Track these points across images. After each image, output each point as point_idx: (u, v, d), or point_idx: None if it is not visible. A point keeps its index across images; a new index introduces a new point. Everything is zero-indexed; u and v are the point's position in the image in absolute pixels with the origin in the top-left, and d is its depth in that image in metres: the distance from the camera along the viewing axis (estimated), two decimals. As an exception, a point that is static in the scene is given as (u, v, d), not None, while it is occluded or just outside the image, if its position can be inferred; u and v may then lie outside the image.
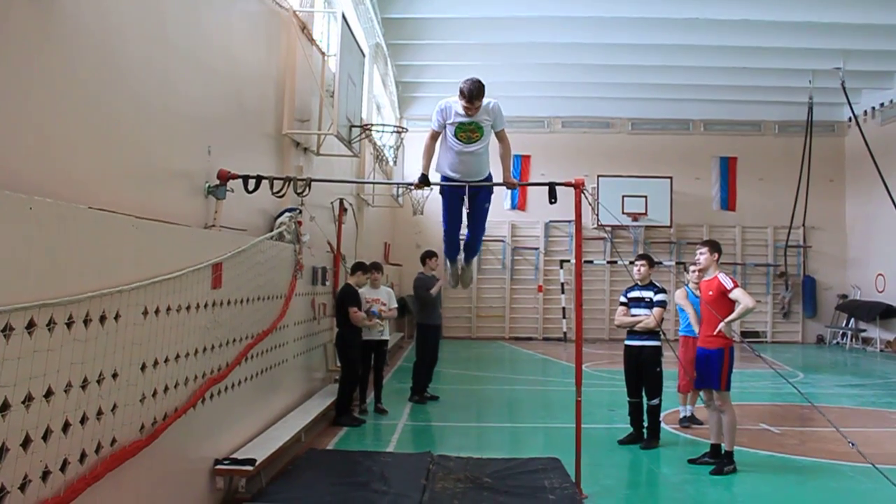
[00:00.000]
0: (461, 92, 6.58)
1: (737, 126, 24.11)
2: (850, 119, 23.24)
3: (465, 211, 7.14)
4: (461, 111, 6.69)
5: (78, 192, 4.37)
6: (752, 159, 23.70)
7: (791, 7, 15.26)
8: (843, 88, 19.16)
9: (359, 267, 10.35)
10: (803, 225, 22.84)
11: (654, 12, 15.66)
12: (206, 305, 6.02)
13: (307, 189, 8.03)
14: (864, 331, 22.07)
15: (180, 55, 6.12)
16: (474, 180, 7.08)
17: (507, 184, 7.28)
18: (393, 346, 17.22)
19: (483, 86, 6.58)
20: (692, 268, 9.64)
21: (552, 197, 7.25)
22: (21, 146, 3.95)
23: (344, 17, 10.32)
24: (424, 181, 7.09)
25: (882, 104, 21.90)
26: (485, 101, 6.71)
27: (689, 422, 9.88)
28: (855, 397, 12.90)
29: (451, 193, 7.27)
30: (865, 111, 22.54)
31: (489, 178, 7.26)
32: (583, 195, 7.09)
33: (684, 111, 23.74)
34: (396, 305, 11.24)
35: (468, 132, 6.83)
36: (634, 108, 23.63)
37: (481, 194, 7.30)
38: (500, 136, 7.02)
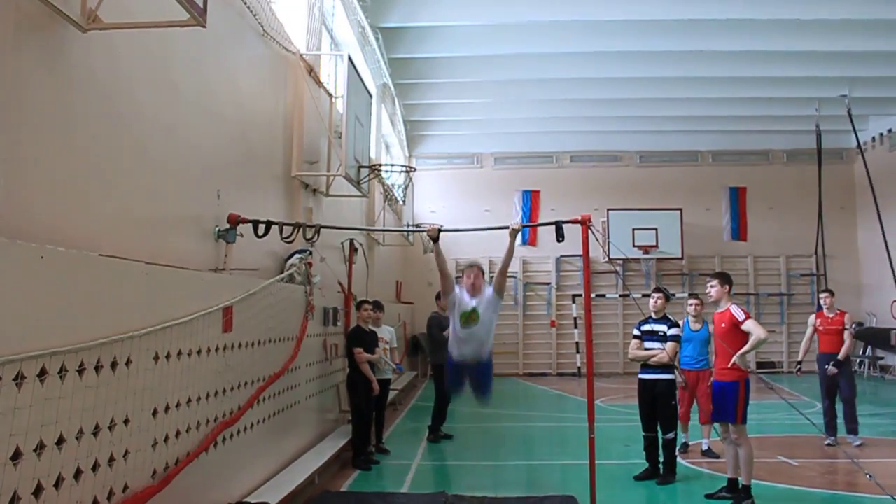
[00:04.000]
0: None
1: (745, 156, 24.12)
2: (857, 145, 23.26)
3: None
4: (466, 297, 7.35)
5: (89, 239, 4.42)
6: (762, 189, 23.65)
7: (795, 37, 15.32)
8: (850, 116, 19.17)
9: (359, 305, 10.34)
10: (815, 253, 22.76)
11: (658, 46, 15.76)
12: (217, 349, 6.04)
13: (317, 235, 8.10)
14: (881, 358, 21.83)
15: (189, 101, 6.22)
16: (478, 361, 7.48)
17: (510, 231, 7.50)
18: (406, 385, 17.18)
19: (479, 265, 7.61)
20: (691, 301, 9.93)
21: (559, 236, 7.32)
22: (32, 195, 4.01)
23: (350, 59, 10.45)
24: (437, 235, 7.49)
25: (890, 130, 21.90)
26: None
27: (685, 448, 10.13)
28: (874, 427, 12.71)
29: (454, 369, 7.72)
30: (873, 137, 22.55)
31: (489, 359, 7.64)
32: (590, 231, 7.11)
33: (692, 142, 23.78)
34: (397, 345, 11.30)
35: (468, 319, 7.33)
36: (642, 141, 23.69)
37: (484, 374, 7.69)
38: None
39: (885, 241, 21.31)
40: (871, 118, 22.20)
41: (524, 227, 8.12)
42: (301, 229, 7.71)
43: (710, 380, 9.39)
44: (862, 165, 22.85)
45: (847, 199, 23.46)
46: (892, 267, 21.55)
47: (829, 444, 10.50)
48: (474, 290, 7.30)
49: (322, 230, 8.73)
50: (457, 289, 7.40)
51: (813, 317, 11.22)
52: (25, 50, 3.96)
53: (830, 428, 10.68)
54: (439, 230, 7.43)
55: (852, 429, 10.62)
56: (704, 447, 10.08)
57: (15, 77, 3.86)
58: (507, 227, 7.49)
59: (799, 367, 11.36)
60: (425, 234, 7.77)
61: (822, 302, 11.13)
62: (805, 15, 14.01)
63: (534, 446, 11.96)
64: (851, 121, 19.16)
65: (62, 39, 4.26)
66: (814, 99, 19.40)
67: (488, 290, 7.37)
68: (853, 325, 10.99)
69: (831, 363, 10.64)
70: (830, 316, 10.89)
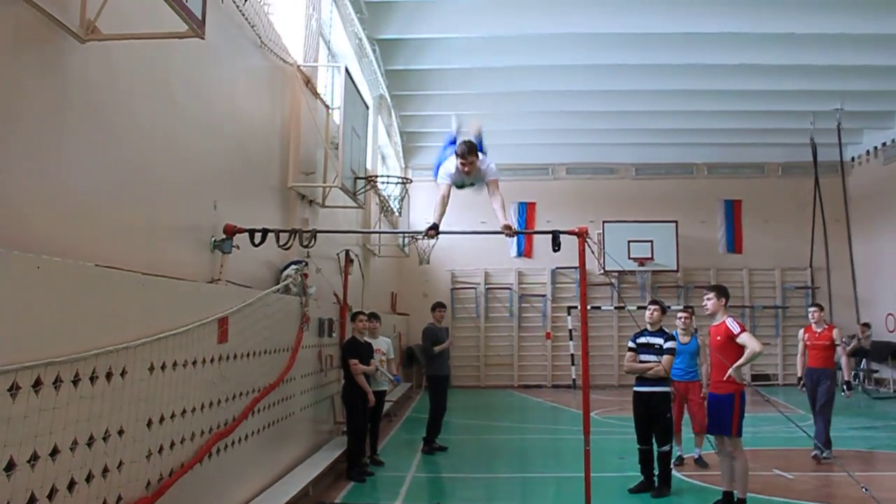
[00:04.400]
0: (456, 154, 7.25)
1: (740, 169, 24.19)
2: (852, 159, 23.37)
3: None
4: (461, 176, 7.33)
5: (85, 249, 4.42)
6: (757, 201, 23.71)
7: (789, 50, 15.40)
8: (839, 130, 19.25)
9: (354, 316, 10.33)
10: (810, 266, 22.84)
11: (655, 59, 15.82)
12: (212, 360, 6.03)
13: (313, 241, 8.09)
14: (876, 371, 21.84)
15: (186, 112, 6.23)
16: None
17: (507, 232, 7.38)
18: (401, 397, 17.15)
19: (474, 145, 7.31)
20: (680, 315, 10.06)
21: (556, 245, 7.32)
22: (29, 205, 4.01)
23: (347, 70, 10.47)
24: (434, 229, 7.18)
25: (884, 144, 21.97)
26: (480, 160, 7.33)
27: (680, 461, 10.14)
28: (869, 440, 12.74)
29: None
30: (868, 151, 22.68)
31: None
32: (586, 243, 7.13)
33: (687, 155, 23.84)
34: (393, 356, 11.25)
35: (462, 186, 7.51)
36: (638, 154, 23.76)
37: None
38: (491, 188, 7.42)
39: (851, 258, 21.42)
40: (866, 132, 22.31)
41: (519, 232, 8.11)
42: (298, 236, 7.71)
43: (702, 391, 9.56)
44: (857, 178, 23.12)
45: (841, 212, 23.48)
46: (853, 283, 21.73)
47: (824, 458, 10.46)
48: (468, 174, 7.33)
49: (318, 241, 8.72)
50: (452, 169, 7.35)
51: (802, 331, 11.12)
52: (24, 60, 3.96)
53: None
54: (436, 230, 7.28)
55: (819, 441, 10.36)
56: (695, 455, 10.24)
57: (13, 87, 3.87)
58: (501, 232, 7.42)
59: (801, 381, 11.11)
60: (423, 235, 7.70)
61: (810, 316, 11.01)
62: (800, 29, 14.08)
63: (529, 459, 11.94)
64: (839, 135, 19.25)
65: (60, 50, 4.26)
66: (808, 112, 19.50)
67: (482, 170, 7.41)
68: (843, 340, 10.84)
69: (844, 386, 10.49)
70: (818, 330, 10.76)
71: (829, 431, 10.58)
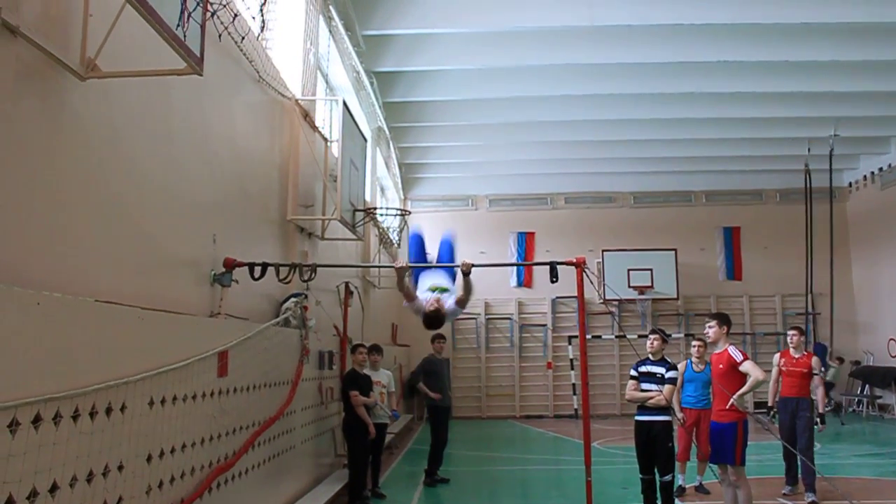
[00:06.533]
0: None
1: (739, 196, 24.26)
2: (850, 185, 23.45)
3: None
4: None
5: (85, 285, 4.43)
6: (756, 228, 23.74)
7: (785, 78, 15.50)
8: (831, 156, 19.34)
9: (354, 348, 10.33)
10: (811, 292, 22.81)
11: (652, 88, 15.92)
12: (212, 394, 6.02)
13: (313, 274, 8.11)
14: (880, 397, 21.74)
15: (185, 146, 6.27)
16: None
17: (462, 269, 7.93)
18: (402, 429, 17.05)
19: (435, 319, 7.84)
20: (694, 343, 9.98)
21: (553, 276, 7.34)
22: (29, 241, 4.03)
23: (345, 103, 10.54)
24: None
25: (881, 169, 22.06)
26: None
27: (682, 491, 10.04)
28: (874, 467, 12.66)
29: None
30: (865, 176, 22.78)
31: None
32: (584, 273, 7.14)
33: (686, 183, 23.92)
34: (394, 389, 11.19)
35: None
36: (636, 182, 23.83)
37: None
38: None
39: (832, 280, 21.34)
40: (862, 157, 22.42)
41: (411, 266, 8.21)
42: (297, 270, 7.74)
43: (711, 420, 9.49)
44: (855, 203, 23.22)
45: (840, 237, 23.48)
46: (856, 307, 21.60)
47: (784, 494, 9.92)
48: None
49: (318, 274, 8.74)
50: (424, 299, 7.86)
51: (777, 356, 10.45)
52: (25, 98, 4.00)
53: (790, 475, 10.09)
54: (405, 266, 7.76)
55: (808, 483, 9.59)
56: (696, 483, 10.23)
57: (14, 124, 3.90)
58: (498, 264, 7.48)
59: (771, 411, 10.32)
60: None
61: (788, 340, 10.33)
62: (794, 57, 14.19)
63: (531, 490, 11.86)
64: (830, 162, 19.33)
65: (61, 88, 4.31)
66: (805, 139, 19.59)
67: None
68: (822, 370, 10.19)
69: (817, 419, 9.82)
70: (797, 356, 10.06)
71: (806, 467, 9.74)
